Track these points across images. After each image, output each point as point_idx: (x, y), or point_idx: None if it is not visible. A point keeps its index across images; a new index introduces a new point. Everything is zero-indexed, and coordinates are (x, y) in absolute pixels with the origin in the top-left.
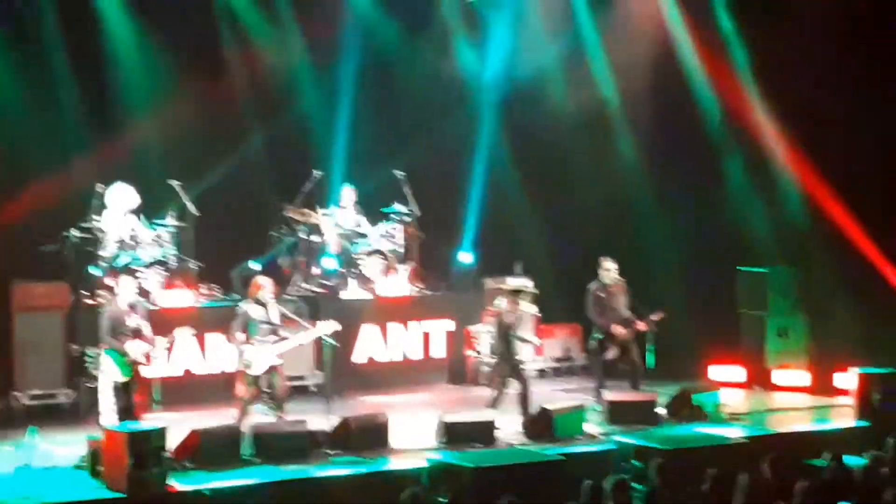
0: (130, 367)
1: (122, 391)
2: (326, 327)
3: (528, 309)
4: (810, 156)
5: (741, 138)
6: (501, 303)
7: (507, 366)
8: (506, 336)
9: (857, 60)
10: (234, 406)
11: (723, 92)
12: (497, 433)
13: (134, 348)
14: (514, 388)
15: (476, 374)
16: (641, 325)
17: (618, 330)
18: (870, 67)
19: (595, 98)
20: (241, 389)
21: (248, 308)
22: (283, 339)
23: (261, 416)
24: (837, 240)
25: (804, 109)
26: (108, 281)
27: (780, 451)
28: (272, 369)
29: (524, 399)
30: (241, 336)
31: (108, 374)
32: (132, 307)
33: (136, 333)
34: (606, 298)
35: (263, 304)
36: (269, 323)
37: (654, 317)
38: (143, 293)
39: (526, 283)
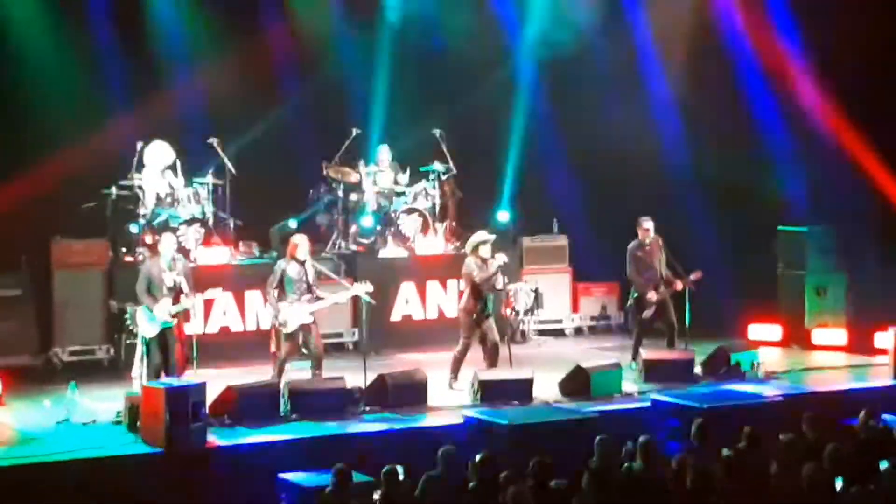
0: (160, 322)
1: (157, 348)
2: (361, 288)
3: (497, 259)
4: (851, 114)
5: (781, 97)
6: (469, 261)
7: (483, 323)
8: (476, 293)
9: None
10: (271, 363)
11: (764, 51)
12: (534, 392)
13: (162, 306)
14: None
15: (513, 332)
16: (679, 285)
17: (653, 296)
18: None
19: (634, 60)
20: (275, 347)
21: (285, 266)
22: (319, 298)
23: (299, 372)
24: (878, 199)
25: (845, 67)
26: (146, 238)
27: (818, 411)
28: (305, 327)
29: (492, 355)
30: (276, 294)
31: (140, 330)
32: (173, 264)
33: (175, 291)
34: (644, 258)
35: (301, 263)
36: (304, 281)
37: (693, 276)
38: (182, 251)
39: (485, 235)
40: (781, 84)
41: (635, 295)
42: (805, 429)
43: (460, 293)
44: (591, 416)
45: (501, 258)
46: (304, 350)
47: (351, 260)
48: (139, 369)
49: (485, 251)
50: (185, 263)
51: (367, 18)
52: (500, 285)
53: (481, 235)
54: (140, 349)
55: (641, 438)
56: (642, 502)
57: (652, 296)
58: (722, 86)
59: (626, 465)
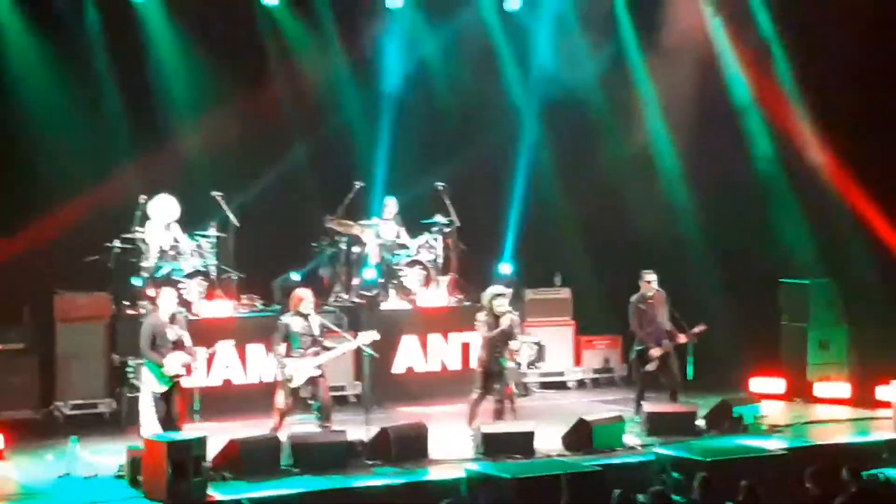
0: (169, 378)
1: (162, 402)
2: (366, 337)
3: (508, 313)
4: (853, 167)
5: (785, 152)
6: (480, 316)
7: (496, 377)
8: (489, 347)
9: None
10: (273, 416)
11: (766, 104)
12: (535, 445)
13: (172, 360)
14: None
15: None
16: (682, 338)
17: (656, 351)
18: None
19: (637, 110)
20: (280, 401)
21: (290, 320)
22: (324, 350)
23: (304, 425)
24: (880, 252)
25: (847, 120)
26: (149, 291)
27: (821, 464)
28: (312, 381)
29: (499, 410)
30: (281, 349)
31: (147, 385)
32: (172, 318)
33: (177, 344)
34: (647, 310)
35: (304, 316)
36: (310, 335)
37: (696, 329)
38: (184, 304)
39: (500, 289)
40: (785, 137)
41: (638, 348)
42: (808, 484)
43: (464, 345)
44: (595, 470)
45: (514, 313)
46: (311, 402)
47: (353, 312)
48: (149, 424)
49: (499, 305)
50: (185, 317)
51: (371, 71)
52: (515, 345)
53: (496, 289)
54: (148, 405)
55: (653, 489)
56: None
57: (655, 351)
58: (725, 137)
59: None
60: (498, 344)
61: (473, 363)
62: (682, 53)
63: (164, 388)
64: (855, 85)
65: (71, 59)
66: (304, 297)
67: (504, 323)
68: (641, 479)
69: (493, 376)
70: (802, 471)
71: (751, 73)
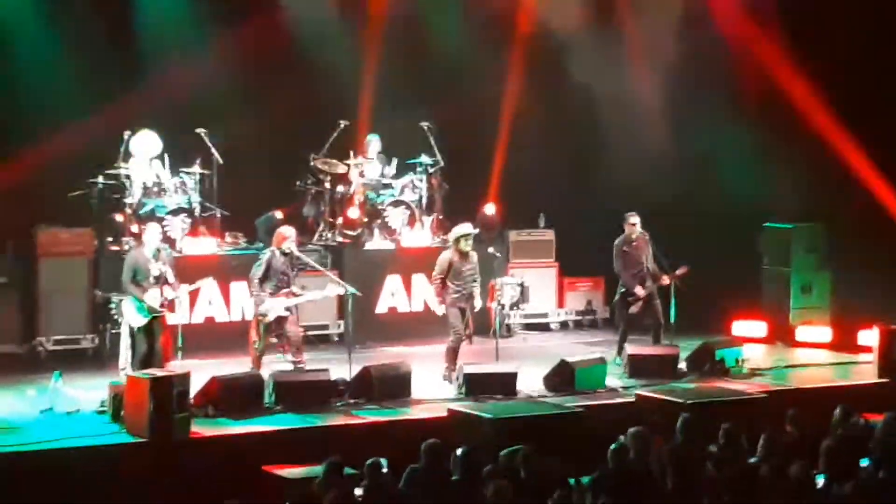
0: (148, 311)
1: (143, 337)
2: (332, 290)
3: (472, 251)
4: (838, 111)
5: (769, 94)
6: (446, 252)
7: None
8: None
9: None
10: (249, 353)
11: (752, 46)
12: (518, 386)
13: (153, 294)
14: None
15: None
16: (666, 279)
17: (640, 290)
18: None
19: (625, 52)
20: (254, 337)
21: (271, 257)
22: (295, 294)
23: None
24: (864, 196)
25: (832, 63)
26: (132, 227)
27: (802, 408)
28: (280, 319)
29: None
30: (259, 284)
31: (127, 319)
32: (157, 254)
33: (161, 280)
34: (631, 253)
35: (286, 254)
36: (287, 274)
37: (679, 271)
38: (168, 240)
39: (468, 228)
40: (769, 78)
41: (622, 290)
42: (788, 426)
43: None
44: (576, 411)
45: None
46: (274, 339)
47: (337, 252)
48: (126, 360)
49: (465, 245)
50: (169, 253)
51: (357, 8)
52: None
53: (463, 228)
54: (126, 340)
55: (633, 430)
56: (636, 495)
57: (639, 290)
58: (707, 78)
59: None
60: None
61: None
62: None
63: (144, 322)
64: (844, 28)
65: None
66: (288, 235)
67: (472, 261)
68: (623, 421)
69: (465, 313)
70: (782, 414)
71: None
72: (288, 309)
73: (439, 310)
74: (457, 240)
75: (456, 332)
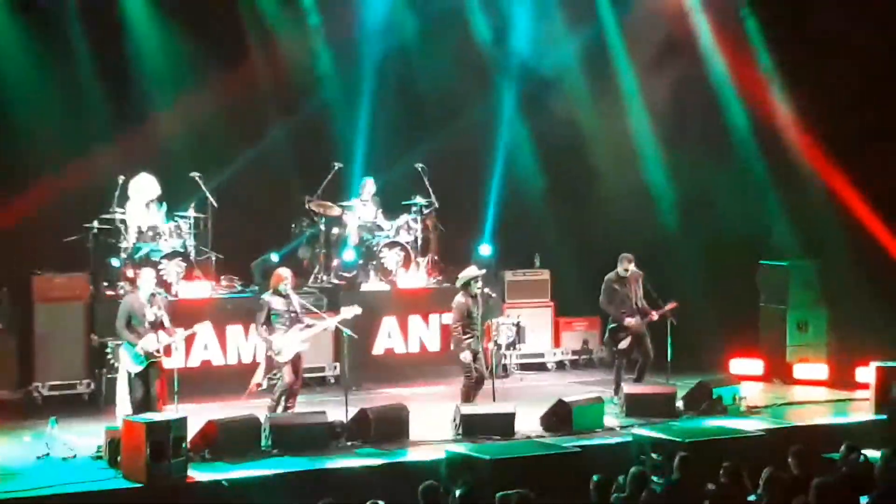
0: (144, 357)
1: (140, 382)
2: (349, 312)
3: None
4: (832, 149)
5: (763, 132)
6: (460, 297)
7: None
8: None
9: (880, 54)
10: (247, 397)
11: (745, 84)
12: (515, 426)
13: (148, 340)
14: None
15: (495, 366)
16: (655, 315)
17: (630, 321)
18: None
19: (616, 90)
20: (260, 378)
21: (270, 299)
22: (309, 326)
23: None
24: (859, 234)
25: (826, 103)
26: (128, 272)
27: (800, 445)
28: (297, 356)
29: (468, 391)
30: (264, 327)
31: (123, 365)
32: (152, 299)
33: (156, 325)
34: (621, 289)
35: (285, 296)
36: (291, 312)
37: (668, 306)
38: (163, 284)
39: (475, 270)
40: (766, 117)
41: (611, 326)
42: (791, 463)
43: (443, 327)
44: (574, 451)
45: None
46: (273, 380)
47: (333, 294)
48: (125, 409)
49: (475, 287)
50: (164, 297)
51: (350, 52)
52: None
53: (471, 271)
54: (124, 386)
55: (633, 469)
56: None
57: (630, 321)
58: (706, 116)
59: (615, 495)
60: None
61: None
62: (658, 34)
63: (140, 368)
64: (833, 66)
65: (49, 37)
66: (285, 276)
67: (474, 302)
68: (621, 461)
69: (477, 358)
70: (780, 452)
71: (728, 53)
72: (305, 341)
73: (464, 356)
74: (467, 284)
75: (468, 374)
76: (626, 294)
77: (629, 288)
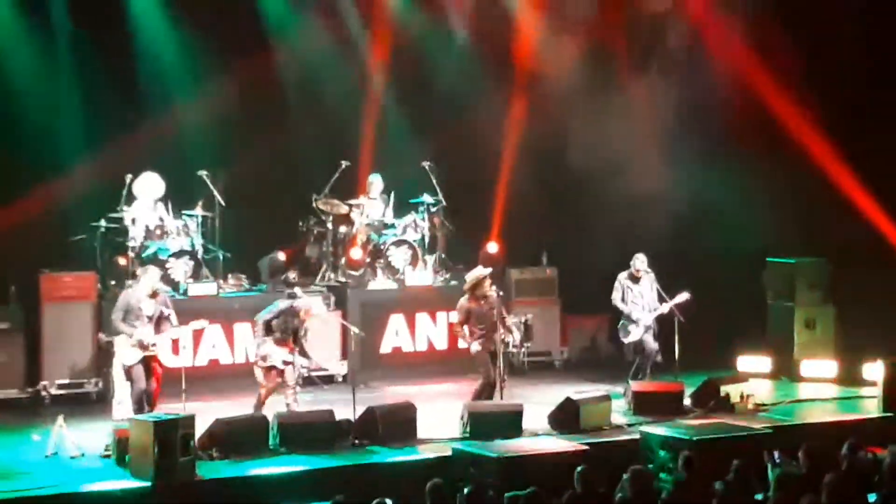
0: (140, 350)
1: (133, 375)
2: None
3: (492, 293)
4: (840, 146)
5: (772, 129)
6: (463, 300)
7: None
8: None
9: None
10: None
11: (753, 82)
12: (523, 424)
13: (143, 333)
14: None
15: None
16: (665, 309)
17: (641, 319)
18: None
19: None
20: (260, 378)
21: (287, 310)
22: (304, 355)
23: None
24: (866, 229)
25: (835, 99)
26: (136, 271)
27: (808, 443)
28: (285, 363)
29: (482, 391)
30: (264, 328)
31: (119, 357)
32: (154, 294)
33: (156, 320)
34: (633, 289)
35: (302, 320)
36: (297, 331)
37: (679, 299)
38: (171, 283)
39: (480, 272)
40: (773, 114)
41: (622, 323)
42: (801, 460)
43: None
44: (581, 449)
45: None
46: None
47: (340, 292)
48: (121, 395)
49: (481, 289)
50: (169, 294)
51: (357, 49)
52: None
53: (476, 273)
54: (122, 380)
55: (633, 468)
56: None
57: (640, 317)
58: (713, 116)
59: (619, 495)
60: (484, 324)
61: (463, 342)
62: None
63: (134, 361)
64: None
65: (56, 35)
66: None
67: (493, 301)
68: (628, 458)
69: (494, 359)
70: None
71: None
72: (286, 363)
73: (472, 347)
74: (472, 286)
75: (485, 374)
76: (639, 292)
77: (641, 286)
